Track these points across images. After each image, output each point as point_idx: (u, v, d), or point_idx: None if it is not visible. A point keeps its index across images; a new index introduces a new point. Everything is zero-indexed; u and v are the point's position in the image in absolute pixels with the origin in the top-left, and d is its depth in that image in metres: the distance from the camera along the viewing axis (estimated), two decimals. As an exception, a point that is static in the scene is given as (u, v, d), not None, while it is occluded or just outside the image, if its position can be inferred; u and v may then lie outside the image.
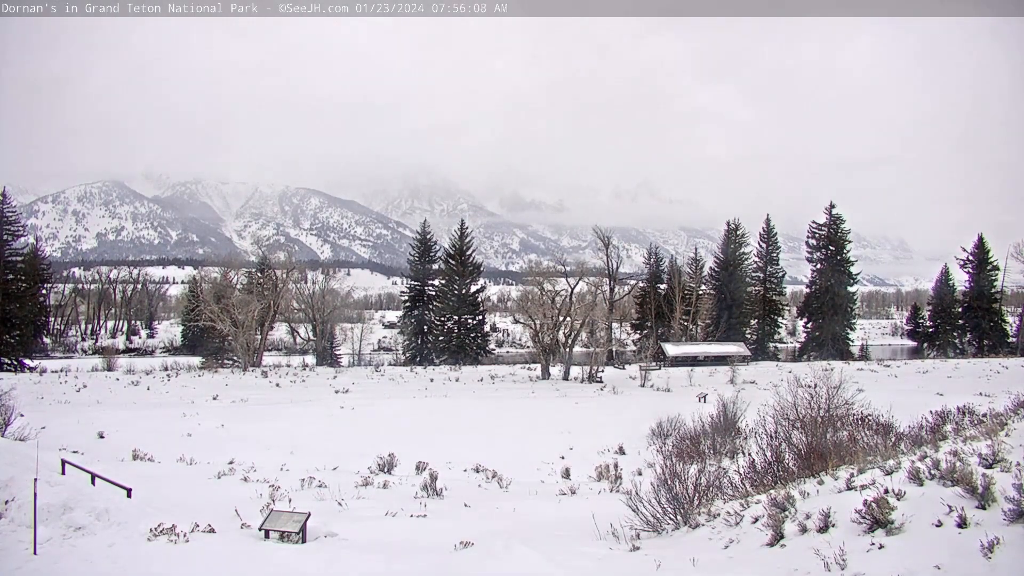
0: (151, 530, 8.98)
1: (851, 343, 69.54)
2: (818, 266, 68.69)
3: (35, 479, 8.48)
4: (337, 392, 37.68)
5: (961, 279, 70.22)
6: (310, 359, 62.51)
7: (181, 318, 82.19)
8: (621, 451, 19.89)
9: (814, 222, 69.08)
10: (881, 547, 6.35)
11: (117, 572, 7.80)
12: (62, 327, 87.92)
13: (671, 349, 57.42)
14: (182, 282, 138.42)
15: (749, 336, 67.54)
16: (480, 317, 68.75)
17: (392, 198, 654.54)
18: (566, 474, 16.75)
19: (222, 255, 77.46)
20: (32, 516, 8.28)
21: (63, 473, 10.66)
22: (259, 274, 63.50)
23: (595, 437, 22.10)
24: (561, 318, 49.73)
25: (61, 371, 48.72)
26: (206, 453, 18.86)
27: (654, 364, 50.27)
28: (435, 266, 69.11)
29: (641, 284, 70.73)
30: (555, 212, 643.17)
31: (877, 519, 6.67)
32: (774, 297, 70.87)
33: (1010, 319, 72.44)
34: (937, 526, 6.33)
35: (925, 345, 73.29)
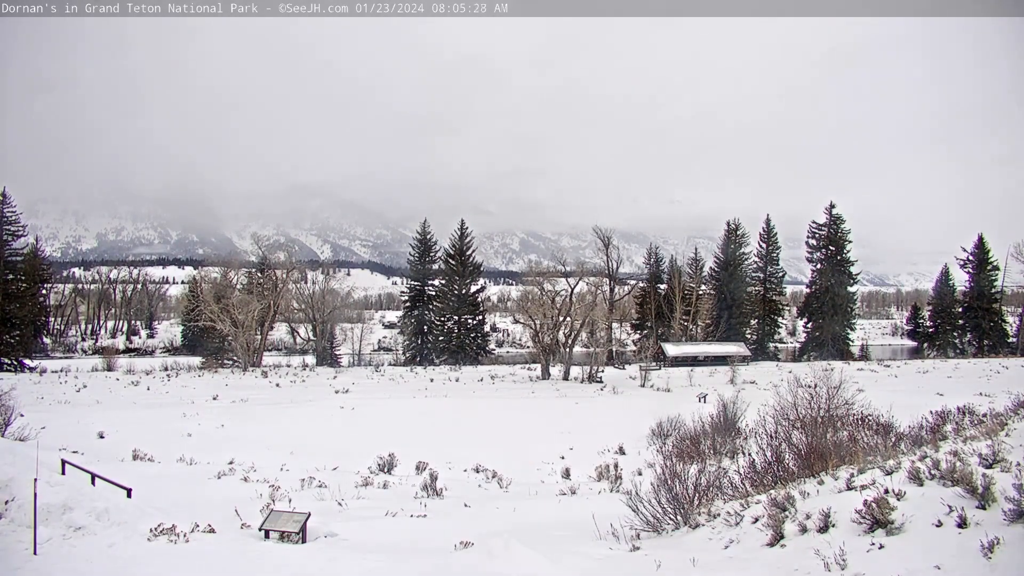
0: (151, 530, 8.98)
1: (851, 343, 69.54)
2: (818, 266, 68.69)
3: (35, 479, 8.47)
4: (337, 392, 37.68)
5: (961, 279, 70.30)
6: (310, 359, 62.52)
7: (181, 318, 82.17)
8: (621, 451, 19.90)
9: (814, 222, 69.10)
10: (881, 547, 6.35)
11: (117, 572, 7.80)
12: (62, 327, 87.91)
13: (671, 349, 57.42)
14: (182, 282, 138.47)
15: (749, 336, 67.53)
16: (480, 317, 68.75)
17: (392, 198, 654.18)
18: (566, 474, 16.75)
19: (222, 255, 77.23)
20: (32, 516, 8.28)
21: (63, 473, 10.65)
22: (259, 274, 63.47)
23: (595, 437, 22.11)
24: (561, 318, 49.73)
25: (61, 371, 48.72)
26: (206, 453, 18.86)
27: (654, 364, 50.30)
28: (435, 266, 69.10)
29: (641, 284, 70.76)
30: (555, 212, 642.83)
31: (877, 519, 6.66)
32: (774, 297, 70.86)
33: (1010, 319, 72.41)
34: (937, 526, 6.32)
35: (925, 345, 73.26)
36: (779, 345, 75.60)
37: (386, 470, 16.91)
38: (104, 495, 9.87)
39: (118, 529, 8.93)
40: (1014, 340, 68.07)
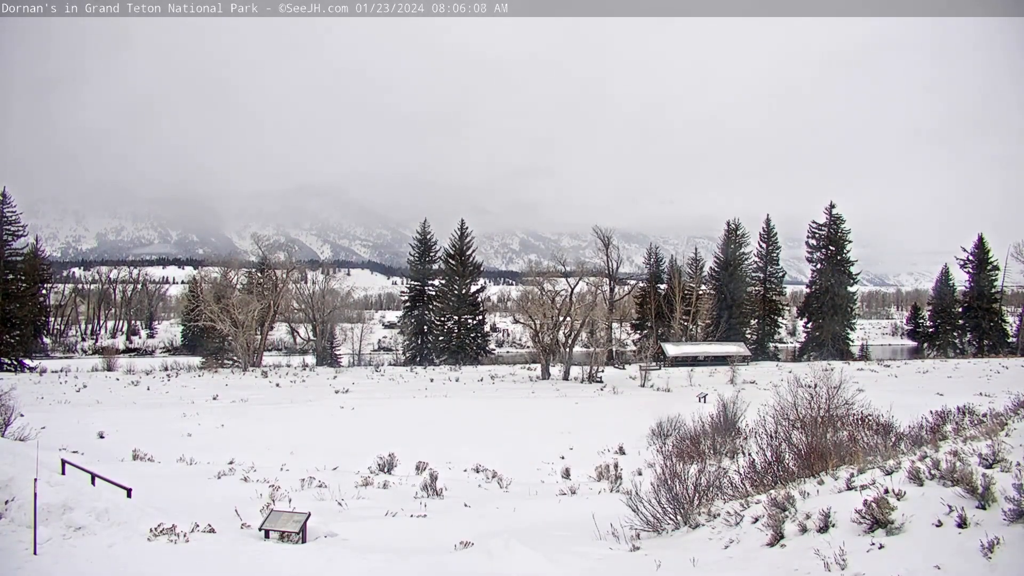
0: (151, 530, 8.98)
1: (851, 343, 69.53)
2: (818, 266, 68.68)
3: (35, 479, 8.47)
4: (337, 392, 37.68)
5: (961, 279, 70.28)
6: (310, 359, 62.51)
7: (181, 318, 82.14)
8: (621, 451, 19.89)
9: (814, 222, 69.09)
10: (881, 547, 6.34)
11: (117, 572, 7.80)
12: (62, 327, 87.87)
13: (671, 349, 57.42)
14: (182, 282, 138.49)
15: (749, 336, 67.51)
16: (480, 317, 68.73)
17: (393, 198, 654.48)
18: (566, 474, 16.76)
19: (222, 255, 77.20)
20: (32, 516, 8.28)
21: (63, 473, 10.65)
22: (259, 274, 63.45)
23: (595, 437, 22.11)
24: (561, 318, 49.73)
25: (61, 371, 48.73)
26: (206, 453, 18.86)
27: (654, 364, 50.29)
28: (435, 266, 69.09)
29: (641, 284, 70.74)
30: (555, 212, 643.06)
31: (877, 519, 6.66)
32: (774, 297, 70.86)
33: (1010, 319, 72.38)
34: (937, 526, 6.32)
35: (925, 345, 73.26)
36: (779, 345, 75.59)
37: (386, 470, 16.90)
38: (104, 495, 9.86)
39: (118, 529, 8.92)
40: (1014, 340, 68.05)
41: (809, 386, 17.31)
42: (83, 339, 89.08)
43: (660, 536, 9.52)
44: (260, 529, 9.68)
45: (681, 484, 10.00)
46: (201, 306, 59.25)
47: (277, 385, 41.69)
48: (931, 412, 16.06)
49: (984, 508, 6.35)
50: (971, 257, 67.86)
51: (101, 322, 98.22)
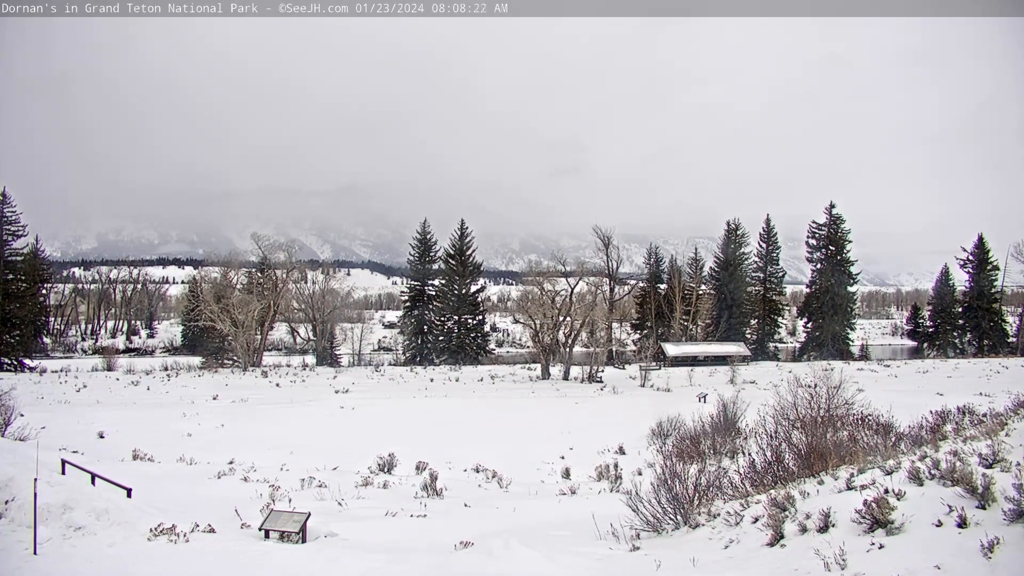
0: (151, 530, 8.98)
1: (851, 343, 69.51)
2: (818, 266, 68.68)
3: (35, 479, 8.47)
4: (337, 392, 37.68)
5: (961, 279, 70.26)
6: (310, 359, 62.50)
7: (181, 318, 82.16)
8: (621, 451, 19.90)
9: (814, 222, 69.06)
10: (881, 547, 6.34)
11: (117, 572, 7.80)
12: (62, 327, 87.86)
13: (671, 349, 57.41)
14: (182, 282, 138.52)
15: (749, 336, 67.51)
16: (480, 317, 68.73)
17: (393, 197, 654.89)
18: (566, 474, 16.76)
19: (222, 255, 77.05)
20: (32, 516, 8.28)
21: (63, 473, 10.64)
22: (259, 274, 63.43)
23: (595, 437, 22.11)
24: (561, 318, 49.73)
25: (61, 371, 48.72)
26: (206, 453, 18.87)
27: (654, 364, 50.30)
28: (435, 266, 69.07)
29: (641, 284, 70.73)
30: (555, 212, 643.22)
31: (877, 519, 6.66)
32: (774, 297, 70.85)
33: (1010, 319, 72.38)
34: (937, 526, 6.32)
35: (925, 345, 73.24)
36: (779, 345, 75.57)
37: (386, 470, 16.90)
38: (104, 495, 9.86)
39: (118, 529, 8.93)
40: (1014, 340, 68.05)
41: (809, 386, 17.29)
42: (83, 339, 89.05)
43: (660, 536, 9.52)
44: (260, 529, 9.68)
45: (681, 484, 9.99)
46: (201, 306, 59.23)
47: (277, 385, 41.69)
48: (931, 412, 16.05)
49: (984, 508, 6.35)
50: (971, 257, 67.86)
51: (101, 322, 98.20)
